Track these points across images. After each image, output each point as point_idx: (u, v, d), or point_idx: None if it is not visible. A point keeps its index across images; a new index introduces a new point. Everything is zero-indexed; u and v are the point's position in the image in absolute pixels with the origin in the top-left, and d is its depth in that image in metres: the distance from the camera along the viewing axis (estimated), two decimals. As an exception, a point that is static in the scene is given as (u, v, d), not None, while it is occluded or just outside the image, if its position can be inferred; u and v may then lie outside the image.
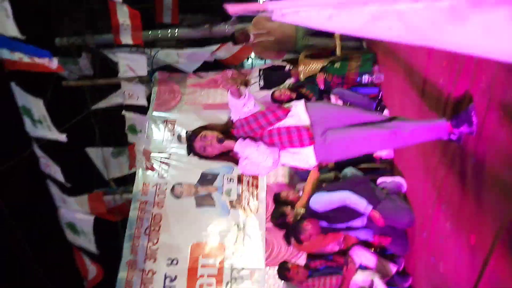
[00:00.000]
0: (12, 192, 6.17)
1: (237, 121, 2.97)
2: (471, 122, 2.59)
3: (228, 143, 2.84)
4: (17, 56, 4.28)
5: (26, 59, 4.30)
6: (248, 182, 6.13)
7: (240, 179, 6.18)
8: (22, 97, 4.63)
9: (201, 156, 2.92)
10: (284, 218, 4.62)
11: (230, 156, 2.96)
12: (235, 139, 2.89)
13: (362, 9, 0.78)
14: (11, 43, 4.20)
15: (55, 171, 5.36)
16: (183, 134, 6.79)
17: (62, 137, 4.82)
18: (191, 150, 2.91)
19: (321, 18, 0.84)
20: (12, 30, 4.04)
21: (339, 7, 0.80)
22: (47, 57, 4.29)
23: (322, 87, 5.58)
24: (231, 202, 6.09)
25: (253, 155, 2.81)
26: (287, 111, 2.92)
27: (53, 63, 4.34)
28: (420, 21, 0.74)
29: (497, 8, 0.68)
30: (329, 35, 6.27)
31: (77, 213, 5.74)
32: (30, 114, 4.73)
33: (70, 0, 8.04)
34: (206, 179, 6.37)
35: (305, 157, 2.87)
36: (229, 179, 6.25)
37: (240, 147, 2.83)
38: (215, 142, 2.82)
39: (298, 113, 2.92)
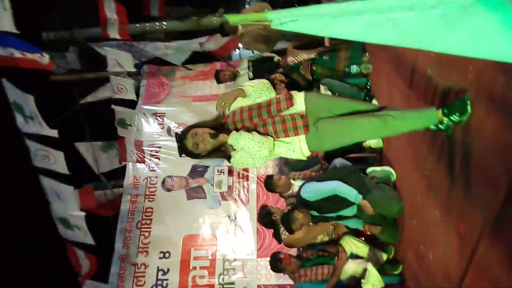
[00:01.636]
0: (2, 189, 6.14)
1: (238, 108, 2.92)
2: (465, 111, 2.61)
3: (221, 136, 2.80)
4: (8, 51, 4.23)
5: (17, 54, 4.26)
6: (238, 174, 6.16)
7: (230, 171, 6.21)
8: (13, 93, 4.59)
9: (193, 155, 2.85)
10: (270, 217, 4.67)
11: (222, 152, 2.91)
12: (227, 132, 2.85)
13: (358, 18, 0.81)
14: (2, 38, 4.15)
15: (56, 160, 5.31)
16: (173, 127, 6.80)
17: (54, 133, 4.81)
18: (182, 150, 2.85)
19: (318, 26, 0.87)
20: (7, 24, 3.98)
21: (336, 16, 0.83)
22: (38, 53, 4.26)
23: (310, 77, 5.60)
24: (222, 194, 6.13)
25: (249, 145, 2.75)
26: (291, 104, 2.87)
27: (44, 59, 4.31)
28: (413, 28, 0.78)
29: (486, 16, 0.72)
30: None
31: (69, 209, 5.71)
32: (22, 110, 4.70)
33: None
34: (197, 171, 6.39)
35: (299, 147, 2.84)
36: (219, 171, 6.28)
37: (234, 138, 2.79)
38: (207, 138, 2.77)
39: (297, 103, 2.89)
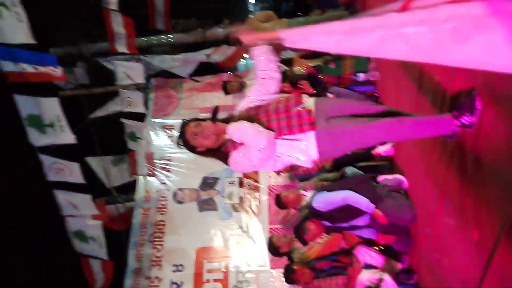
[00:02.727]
0: (14, 207, 6.18)
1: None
2: (474, 108, 2.53)
3: (221, 125, 2.70)
4: (20, 67, 4.26)
5: (29, 69, 4.28)
6: (249, 185, 6.15)
7: (241, 182, 6.21)
8: (29, 106, 4.59)
9: (189, 146, 2.74)
10: (278, 251, 4.66)
11: (220, 152, 2.77)
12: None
13: (370, 34, 0.81)
14: (15, 53, 4.18)
15: (72, 171, 5.32)
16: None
17: (72, 139, 4.84)
18: (181, 136, 2.74)
19: (330, 43, 0.88)
20: (23, 36, 4.01)
21: (348, 33, 0.83)
22: (52, 64, 4.30)
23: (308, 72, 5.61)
24: (233, 205, 6.12)
25: (247, 134, 2.62)
26: (300, 101, 2.76)
27: (58, 71, 4.35)
28: (425, 42, 0.77)
29: (496, 29, 0.72)
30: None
31: (86, 219, 5.73)
32: (38, 121, 4.69)
33: (64, 9, 8.02)
34: (207, 183, 6.40)
35: (305, 146, 2.70)
36: (230, 182, 6.28)
37: (234, 127, 2.67)
38: (209, 133, 2.66)
39: (306, 103, 2.77)
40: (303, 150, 2.71)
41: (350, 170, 4.77)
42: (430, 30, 0.76)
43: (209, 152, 2.78)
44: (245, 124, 2.66)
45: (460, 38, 0.73)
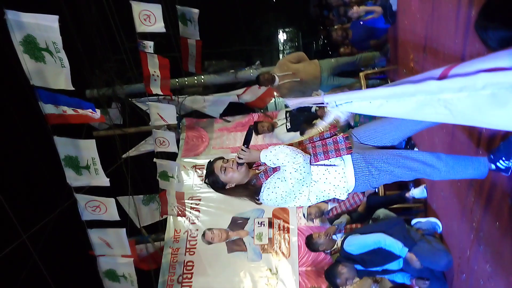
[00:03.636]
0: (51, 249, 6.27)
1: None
2: (510, 153, 2.53)
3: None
4: (61, 109, 4.40)
5: (70, 111, 4.42)
6: (279, 225, 6.12)
7: (271, 223, 6.18)
8: (66, 147, 4.70)
9: (218, 184, 2.65)
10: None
11: (252, 186, 2.66)
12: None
13: (410, 98, 0.84)
14: (56, 97, 4.32)
15: (107, 208, 5.34)
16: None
17: (106, 182, 4.92)
18: (209, 174, 2.68)
19: (372, 107, 0.91)
20: (63, 81, 4.13)
21: (389, 98, 0.87)
22: (91, 108, 4.43)
23: (352, 123, 5.60)
24: (262, 246, 6.08)
25: (283, 153, 2.46)
26: (334, 130, 2.73)
27: (96, 114, 4.49)
28: (464, 107, 0.80)
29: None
30: (354, 74, 6.36)
31: (118, 258, 5.74)
32: (75, 162, 4.78)
33: (99, 53, 8.32)
34: (237, 223, 6.38)
35: (342, 170, 2.61)
36: (259, 223, 6.25)
37: (268, 149, 2.53)
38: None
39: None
40: (339, 175, 2.61)
41: (382, 212, 4.71)
42: (469, 95, 0.78)
43: (239, 189, 2.68)
44: (279, 145, 2.55)
45: (498, 103, 0.75)
